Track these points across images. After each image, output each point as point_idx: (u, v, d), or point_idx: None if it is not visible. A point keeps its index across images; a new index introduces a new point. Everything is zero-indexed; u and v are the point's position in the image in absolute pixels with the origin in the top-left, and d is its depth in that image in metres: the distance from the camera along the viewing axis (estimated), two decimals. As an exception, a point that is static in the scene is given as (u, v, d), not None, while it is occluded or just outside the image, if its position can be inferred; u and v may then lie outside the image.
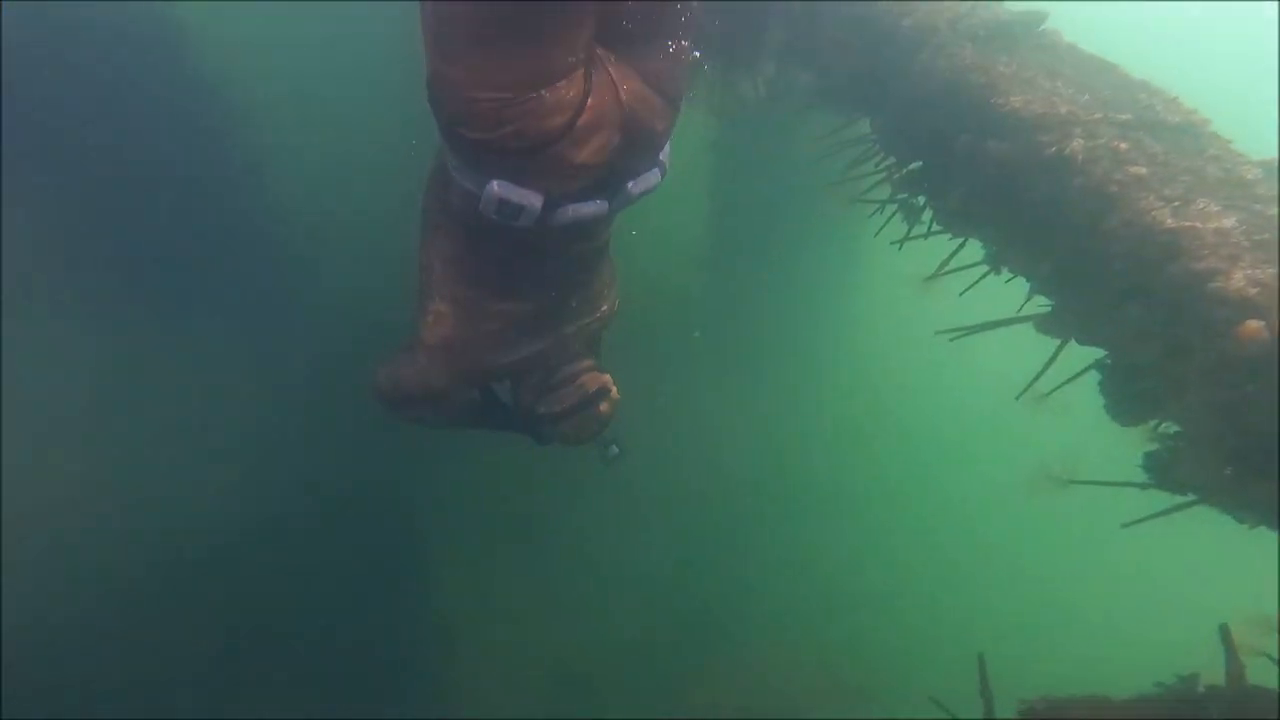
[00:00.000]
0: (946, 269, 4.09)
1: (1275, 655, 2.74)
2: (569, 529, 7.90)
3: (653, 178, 2.77)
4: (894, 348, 9.81)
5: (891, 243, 4.33)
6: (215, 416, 6.34)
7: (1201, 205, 2.63)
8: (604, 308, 3.28)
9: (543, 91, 2.27)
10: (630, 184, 2.69)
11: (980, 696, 3.29)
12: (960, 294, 3.73)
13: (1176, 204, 2.54)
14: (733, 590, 8.49)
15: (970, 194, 3.27)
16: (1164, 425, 2.87)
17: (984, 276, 3.56)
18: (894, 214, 4.33)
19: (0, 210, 5.15)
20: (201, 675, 5.83)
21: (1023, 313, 3.48)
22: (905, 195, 4.17)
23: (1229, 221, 2.58)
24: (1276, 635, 2.86)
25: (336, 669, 6.41)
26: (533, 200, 2.49)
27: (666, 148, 2.79)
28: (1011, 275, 3.48)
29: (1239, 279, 2.35)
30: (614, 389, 3.22)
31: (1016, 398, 3.46)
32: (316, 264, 6.69)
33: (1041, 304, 3.24)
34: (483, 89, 2.26)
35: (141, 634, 5.64)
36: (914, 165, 4.07)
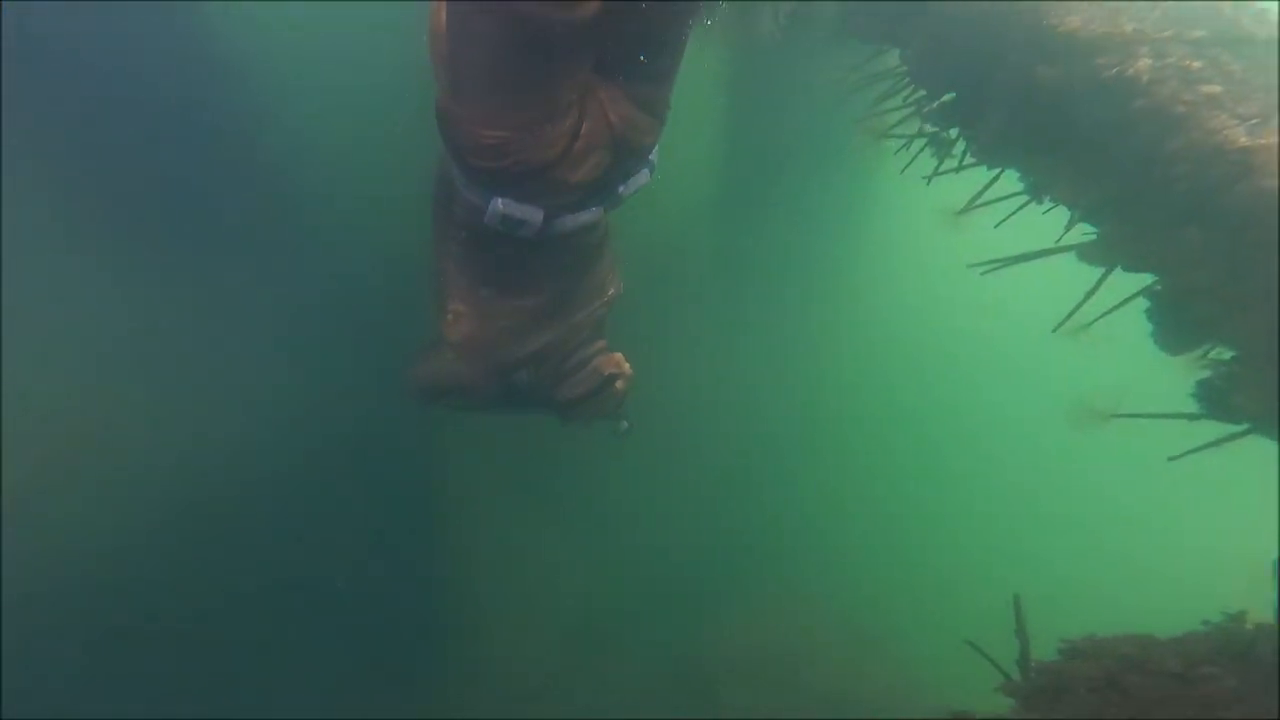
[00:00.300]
0: (979, 202, 4.00)
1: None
2: (587, 478, 7.89)
3: (642, 178, 2.96)
4: (920, 285, 9.69)
5: (922, 178, 4.22)
6: (232, 370, 6.25)
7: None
8: (610, 292, 3.46)
9: (546, 127, 2.48)
10: (621, 188, 2.89)
11: (1015, 637, 3.29)
12: (995, 226, 3.65)
13: (1254, 122, 2.45)
14: (751, 540, 8.54)
15: (1012, 123, 3.16)
16: (1216, 351, 2.82)
17: (1022, 208, 3.47)
18: (923, 149, 4.22)
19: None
20: (221, 627, 5.87)
21: (1062, 243, 3.42)
22: (936, 129, 4.06)
23: (1305, 139, 2.49)
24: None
25: (358, 622, 6.44)
26: (534, 215, 2.70)
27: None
28: (1050, 205, 3.40)
29: (1311, 197, 2.28)
30: (626, 366, 3.47)
31: (1054, 330, 3.40)
32: (337, 219, 6.53)
33: (1085, 233, 3.16)
34: (491, 128, 2.46)
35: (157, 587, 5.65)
36: (946, 97, 3.95)
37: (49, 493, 5.39)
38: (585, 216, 2.86)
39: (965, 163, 3.97)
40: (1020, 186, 3.68)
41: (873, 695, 7.48)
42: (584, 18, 2.20)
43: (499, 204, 2.67)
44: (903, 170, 4.36)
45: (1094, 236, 3.16)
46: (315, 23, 5.94)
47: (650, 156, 2.95)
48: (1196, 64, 2.66)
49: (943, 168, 4.22)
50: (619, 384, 3.43)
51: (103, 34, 5.34)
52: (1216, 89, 2.55)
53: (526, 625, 7.45)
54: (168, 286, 6.01)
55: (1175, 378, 3.17)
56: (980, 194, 3.98)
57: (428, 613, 6.79)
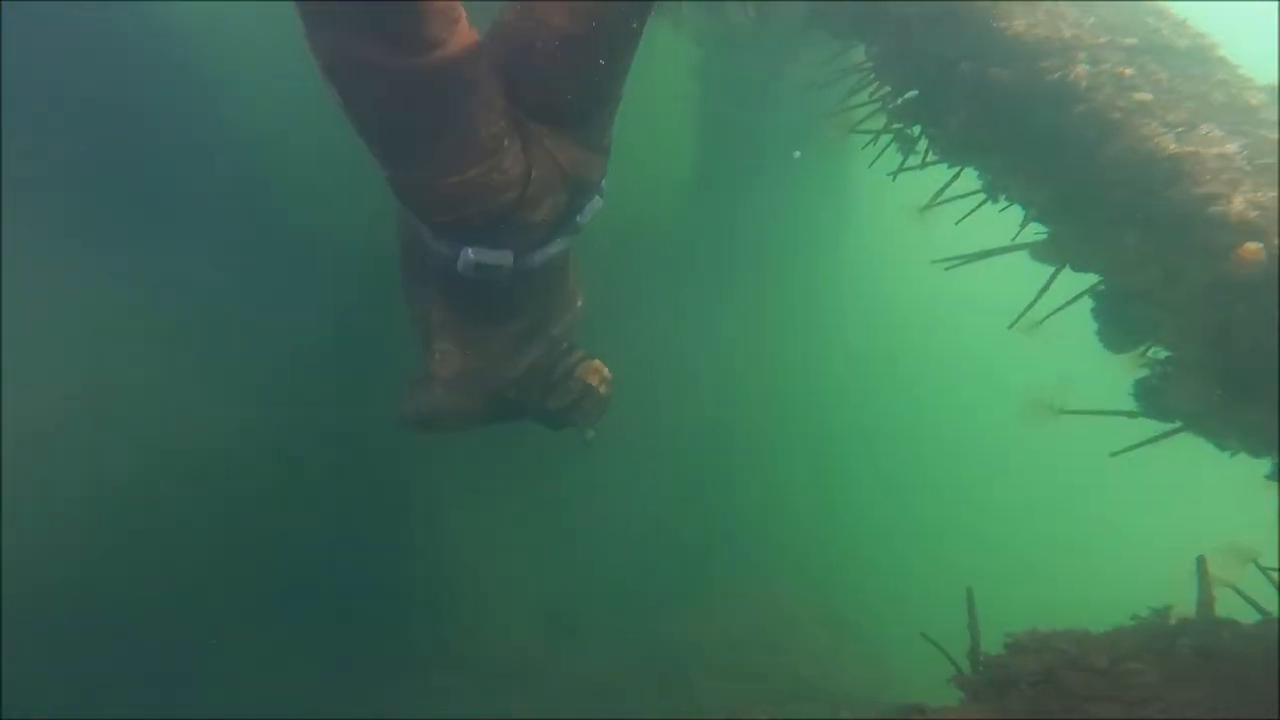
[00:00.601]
0: (941, 199, 4.04)
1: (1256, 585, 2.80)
2: (560, 466, 7.91)
3: (597, 204, 3.10)
4: (886, 278, 9.74)
5: (887, 175, 4.25)
6: (223, 353, 6.25)
7: (1205, 131, 2.59)
8: (579, 303, 3.70)
9: (492, 172, 2.55)
10: (579, 217, 3.02)
11: (968, 630, 3.35)
12: (956, 223, 3.68)
13: (1180, 130, 2.50)
14: (725, 528, 8.59)
15: (970, 122, 3.19)
16: (1154, 351, 2.88)
17: (980, 205, 3.51)
18: (889, 145, 4.25)
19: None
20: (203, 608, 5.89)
21: (1017, 241, 3.46)
22: (901, 125, 4.08)
23: (1232, 146, 2.55)
24: (1254, 566, 2.92)
25: (337, 612, 6.47)
26: (504, 257, 2.83)
27: None
28: (1007, 204, 3.44)
29: (1240, 203, 2.32)
30: (606, 371, 3.69)
31: (1010, 326, 3.45)
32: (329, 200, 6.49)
33: (1038, 232, 3.21)
34: (438, 177, 2.52)
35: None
36: (910, 94, 3.97)
37: (48, 486, 5.36)
38: (553, 249, 3.01)
39: (928, 160, 4.00)
40: (979, 184, 3.74)
41: (844, 685, 7.56)
42: (441, 62, 2.25)
43: (469, 253, 2.77)
44: (870, 165, 4.39)
45: (1045, 236, 3.21)
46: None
47: (601, 183, 3.09)
48: (1129, 71, 2.70)
49: (907, 164, 4.25)
50: (603, 389, 3.68)
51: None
52: (1147, 96, 2.59)
53: (501, 611, 7.50)
54: (157, 280, 5.99)
55: (1119, 375, 3.23)
56: (941, 191, 4.02)
57: (403, 600, 6.82)
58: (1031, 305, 3.40)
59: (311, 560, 6.31)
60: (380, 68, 2.25)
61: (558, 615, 7.75)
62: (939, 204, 4.09)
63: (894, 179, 4.38)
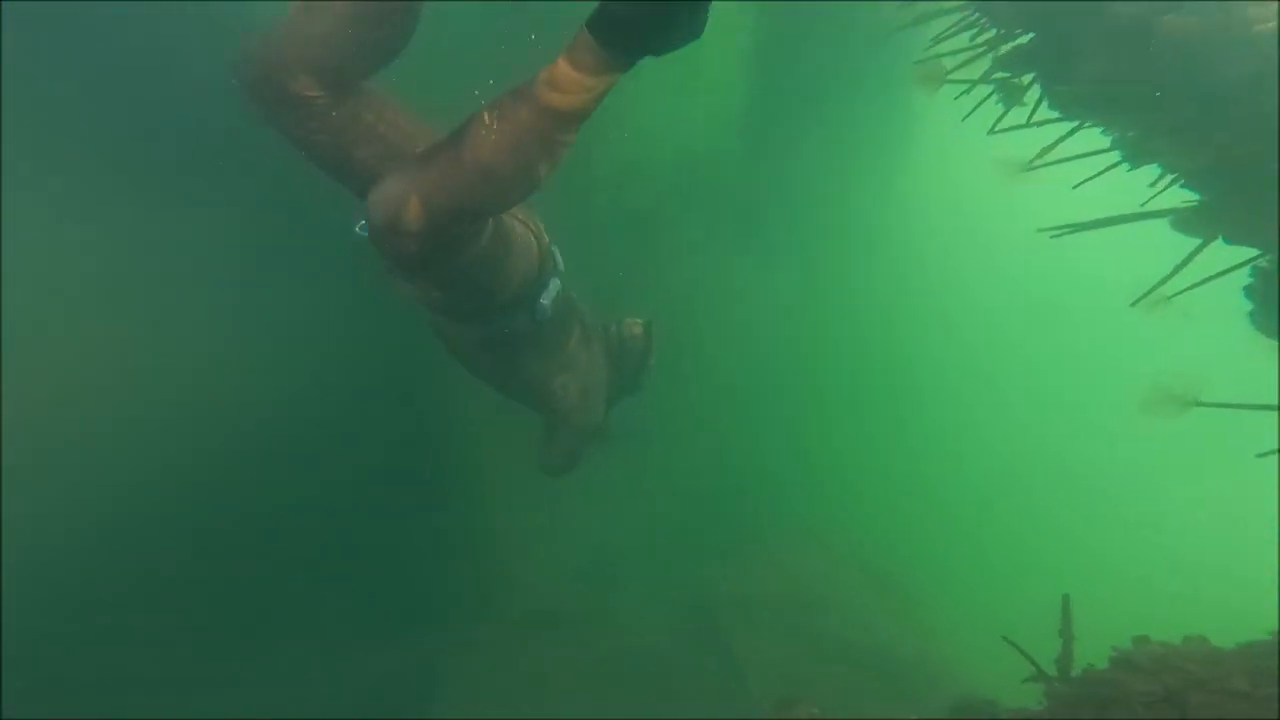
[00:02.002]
0: (1045, 159, 3.57)
1: None
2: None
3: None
4: (963, 235, 9.19)
5: (989, 133, 3.77)
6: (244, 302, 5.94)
7: None
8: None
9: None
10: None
11: (1059, 635, 3.06)
12: (1074, 187, 3.23)
13: None
14: (767, 481, 8.35)
15: (1111, 73, 2.72)
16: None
17: (1111, 168, 3.05)
18: (989, 96, 3.75)
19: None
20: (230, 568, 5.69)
21: (1148, 208, 3.02)
22: (1008, 74, 3.59)
23: None
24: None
25: (382, 561, 6.32)
26: (553, 286, 3.17)
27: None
28: (1133, 167, 2.98)
29: None
30: (638, 323, 4.14)
31: (1134, 303, 3.02)
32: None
33: (1186, 199, 2.77)
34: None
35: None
36: (1022, 38, 3.47)
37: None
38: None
39: (1037, 115, 3.52)
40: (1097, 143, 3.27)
41: (888, 644, 7.38)
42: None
43: (544, 303, 3.10)
44: (964, 119, 3.90)
45: (1191, 203, 2.77)
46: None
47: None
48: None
49: (1009, 119, 3.77)
50: (649, 334, 4.13)
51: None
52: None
53: (542, 564, 7.37)
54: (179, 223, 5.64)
55: (1265, 363, 2.83)
56: (1050, 149, 3.55)
57: (445, 552, 6.65)
58: (1167, 280, 2.97)
59: (352, 513, 6.08)
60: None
61: (599, 567, 7.63)
62: (1046, 165, 3.62)
63: (991, 134, 3.91)
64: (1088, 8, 2.86)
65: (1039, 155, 3.55)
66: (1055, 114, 3.25)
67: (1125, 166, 2.95)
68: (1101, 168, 3.14)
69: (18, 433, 4.62)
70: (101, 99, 4.59)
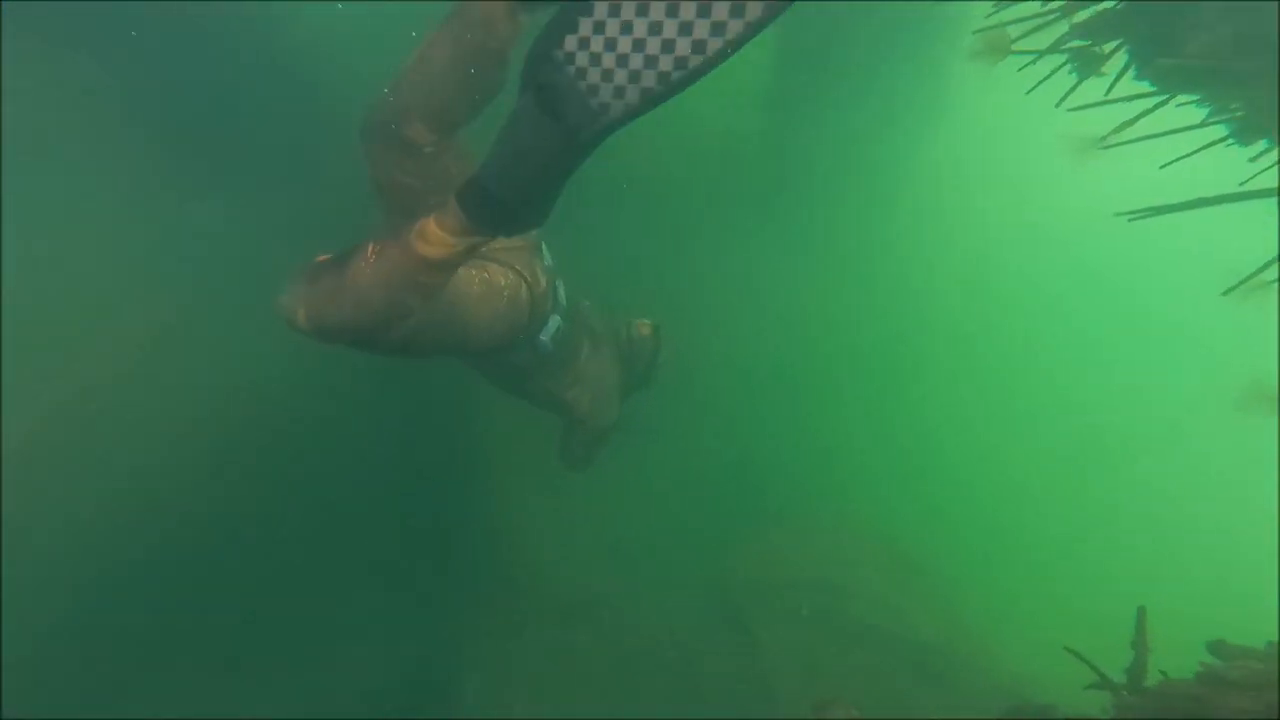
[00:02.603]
0: (1129, 133, 3.30)
1: None
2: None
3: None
4: (1008, 212, 8.84)
5: (1062, 107, 3.49)
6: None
7: None
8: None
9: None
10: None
11: (1132, 647, 2.87)
12: (1161, 167, 2.97)
13: None
14: (789, 463, 8.18)
15: (1226, 46, 2.44)
16: None
17: (1213, 144, 2.78)
18: (1062, 65, 3.47)
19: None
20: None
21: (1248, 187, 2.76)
22: (1089, 42, 3.30)
23: None
24: None
25: (405, 548, 6.19)
26: (554, 321, 3.41)
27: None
28: (1243, 144, 2.72)
29: None
30: (647, 324, 4.53)
31: (1225, 293, 2.76)
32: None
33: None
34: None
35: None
36: (1110, 2, 3.19)
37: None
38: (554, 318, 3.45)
39: (1119, 87, 3.24)
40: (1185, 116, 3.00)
41: (914, 630, 7.23)
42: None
43: (544, 339, 3.37)
44: (1029, 91, 3.62)
45: (1303, 185, 2.52)
46: None
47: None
48: None
49: (1082, 93, 3.48)
50: (659, 334, 4.53)
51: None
52: None
53: (564, 547, 7.25)
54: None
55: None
56: (1131, 124, 3.28)
57: (467, 537, 6.57)
58: (1265, 268, 2.72)
59: (375, 500, 6.00)
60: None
61: (620, 556, 7.50)
62: (1117, 143, 3.35)
63: (1060, 108, 3.63)
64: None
65: (1117, 130, 3.27)
66: (1142, 86, 2.98)
67: (1227, 142, 2.68)
68: (1191, 143, 2.88)
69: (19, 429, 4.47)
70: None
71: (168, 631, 5.01)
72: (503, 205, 1.84)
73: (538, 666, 6.27)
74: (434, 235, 2.02)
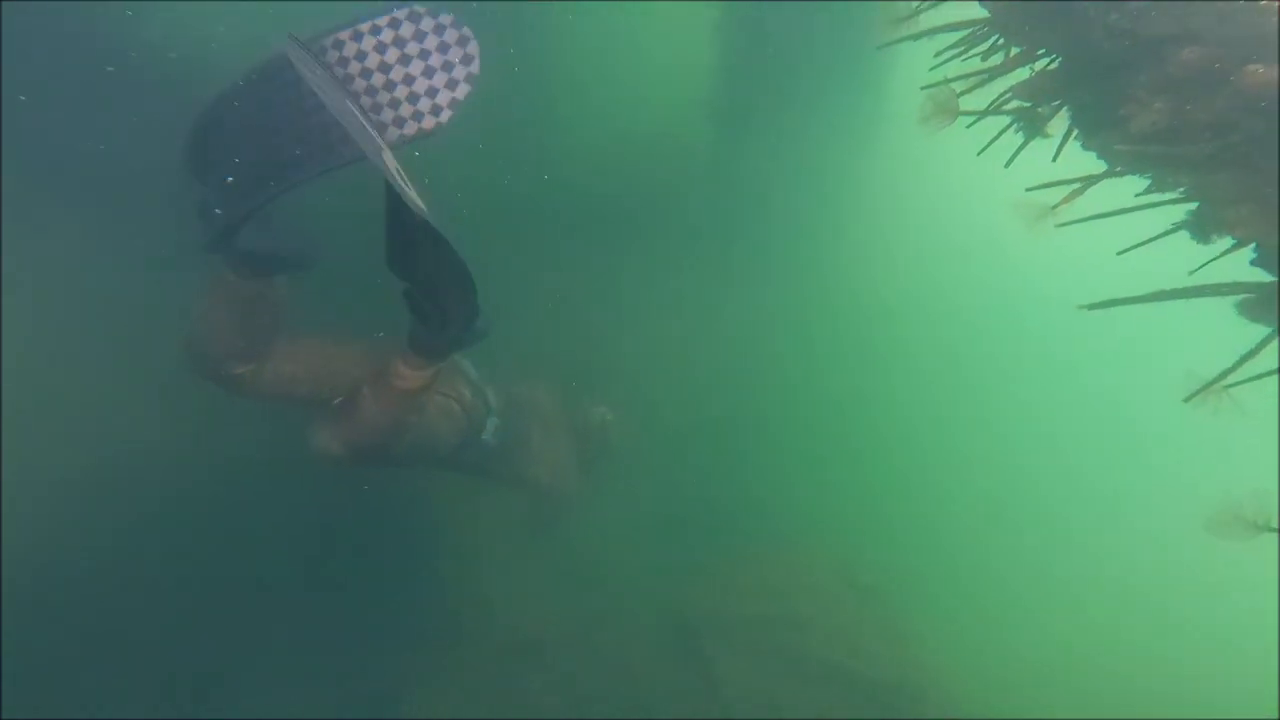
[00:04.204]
0: (1077, 202, 2.98)
1: None
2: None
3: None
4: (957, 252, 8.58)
5: (1006, 166, 3.18)
6: None
7: None
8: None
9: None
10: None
11: None
12: (1119, 253, 2.64)
13: None
14: (747, 496, 7.92)
15: (1176, 124, 2.11)
16: None
17: (1165, 234, 2.46)
18: (1008, 128, 3.15)
19: None
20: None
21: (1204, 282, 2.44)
22: (1030, 103, 2.98)
23: None
24: None
25: (348, 591, 5.85)
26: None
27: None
28: (1201, 241, 2.40)
29: None
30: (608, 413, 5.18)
31: (1187, 399, 2.44)
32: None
33: (1257, 278, 2.19)
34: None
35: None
36: (1046, 62, 2.86)
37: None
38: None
39: (1058, 154, 2.92)
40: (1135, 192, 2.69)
41: (870, 667, 7.00)
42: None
43: (487, 438, 3.98)
44: (979, 153, 3.29)
45: (1266, 285, 2.21)
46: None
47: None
48: None
49: (1022, 156, 3.17)
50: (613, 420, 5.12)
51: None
52: None
53: (514, 587, 6.93)
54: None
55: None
56: (1078, 192, 2.95)
57: (416, 573, 6.27)
58: (1228, 374, 2.39)
59: (318, 541, 5.67)
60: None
61: (571, 588, 7.20)
62: (1066, 212, 3.03)
63: (1006, 166, 3.32)
64: (1135, 47, 2.26)
65: (1064, 201, 2.95)
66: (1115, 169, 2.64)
67: (1203, 243, 2.35)
68: (1149, 223, 2.56)
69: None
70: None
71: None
72: (444, 338, 2.43)
73: (486, 712, 5.96)
74: (406, 374, 2.69)
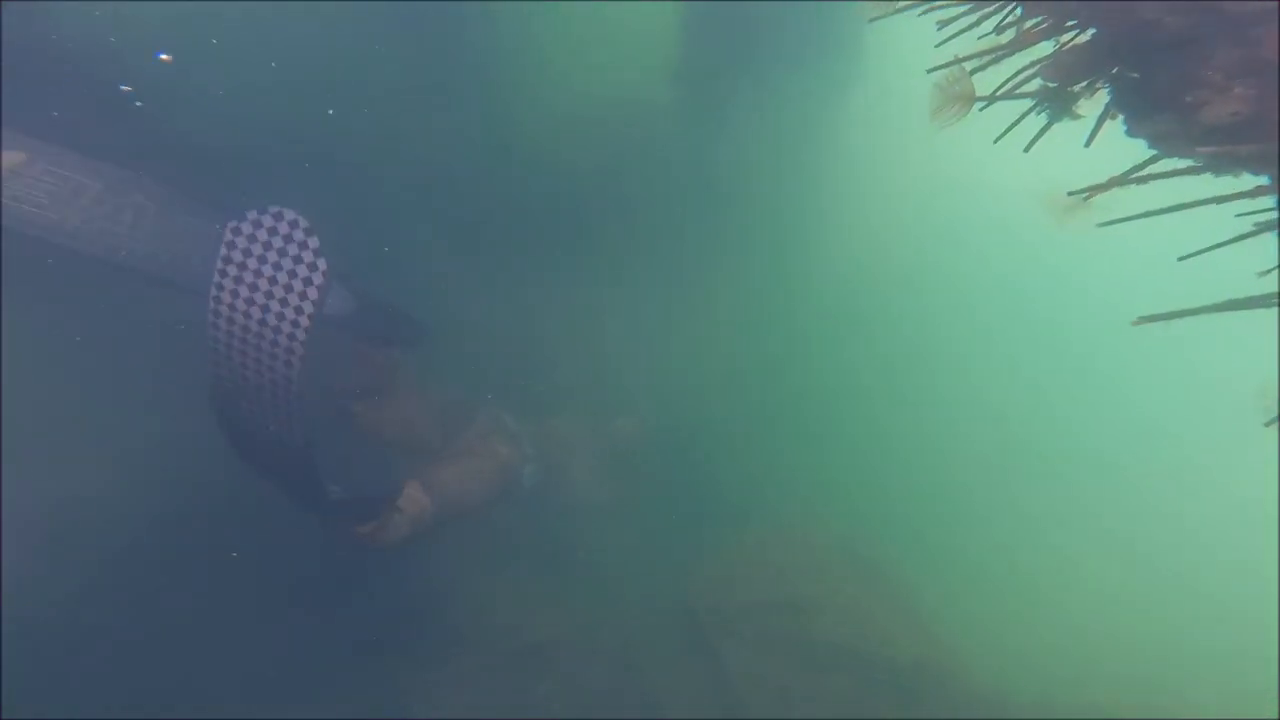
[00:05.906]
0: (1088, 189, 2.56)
1: None
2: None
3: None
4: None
5: (1025, 150, 2.75)
6: None
7: None
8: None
9: None
10: None
11: None
12: (1180, 259, 2.24)
13: None
14: (753, 480, 7.63)
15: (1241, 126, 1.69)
16: None
17: (1237, 238, 2.06)
18: (1032, 109, 2.72)
19: None
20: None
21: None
22: (1054, 83, 2.54)
23: None
24: None
25: (355, 598, 5.77)
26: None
27: None
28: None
29: None
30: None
31: (1267, 423, 2.06)
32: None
33: None
34: None
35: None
36: (1079, 35, 2.43)
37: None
38: None
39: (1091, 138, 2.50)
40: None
41: (884, 648, 6.77)
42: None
43: None
44: (996, 140, 2.86)
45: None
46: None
47: None
48: None
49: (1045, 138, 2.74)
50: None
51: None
52: None
53: (507, 584, 6.59)
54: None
55: None
56: (1118, 181, 2.54)
57: (418, 581, 6.07)
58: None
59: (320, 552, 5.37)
60: None
61: (570, 584, 6.85)
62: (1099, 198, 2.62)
63: (1026, 151, 2.89)
64: (1202, 6, 1.83)
65: (1097, 189, 2.54)
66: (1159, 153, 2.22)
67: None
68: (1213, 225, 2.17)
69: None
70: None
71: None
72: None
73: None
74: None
